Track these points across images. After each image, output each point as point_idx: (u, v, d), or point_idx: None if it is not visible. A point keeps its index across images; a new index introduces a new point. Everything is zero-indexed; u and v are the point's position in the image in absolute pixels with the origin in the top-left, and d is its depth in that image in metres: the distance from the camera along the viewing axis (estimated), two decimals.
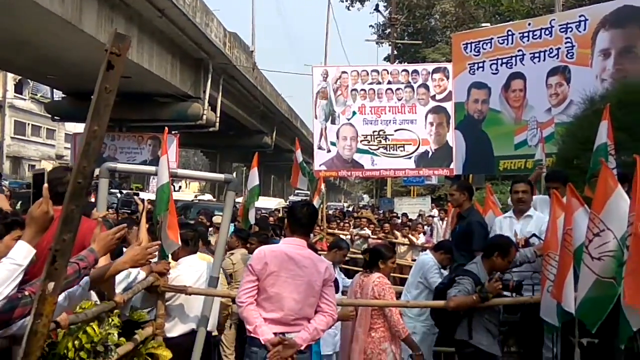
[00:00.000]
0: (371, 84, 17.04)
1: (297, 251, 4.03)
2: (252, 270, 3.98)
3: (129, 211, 10.36)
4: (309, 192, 10.98)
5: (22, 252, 2.33)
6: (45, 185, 2.41)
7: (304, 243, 4.14)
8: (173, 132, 26.39)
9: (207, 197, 24.67)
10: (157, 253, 3.89)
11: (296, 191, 33.41)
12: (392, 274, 6.47)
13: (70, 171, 2.48)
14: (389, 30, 34.67)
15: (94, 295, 3.55)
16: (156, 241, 4.01)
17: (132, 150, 26.91)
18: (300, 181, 9.79)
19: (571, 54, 10.50)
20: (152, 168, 5.56)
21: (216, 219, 9.75)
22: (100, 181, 4.97)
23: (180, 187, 29.15)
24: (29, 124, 46.60)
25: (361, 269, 5.63)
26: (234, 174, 45.82)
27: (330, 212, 19.85)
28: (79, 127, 32.98)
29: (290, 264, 3.97)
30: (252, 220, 7.90)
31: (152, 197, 13.23)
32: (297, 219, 4.15)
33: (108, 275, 3.29)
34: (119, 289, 3.89)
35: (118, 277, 3.72)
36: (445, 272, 6.39)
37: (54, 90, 28.91)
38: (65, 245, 2.07)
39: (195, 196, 23.21)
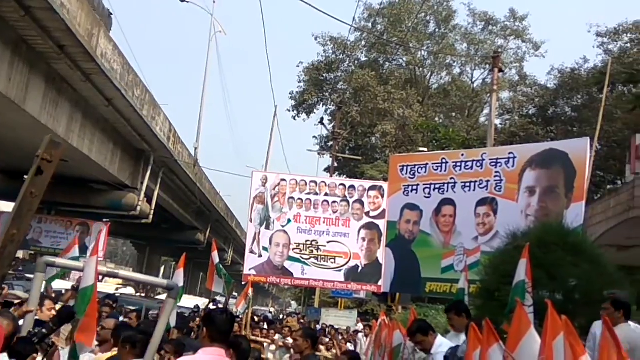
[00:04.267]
0: (309, 194, 17.32)
1: None
2: None
3: None
4: (224, 294, 10.75)
5: None
6: None
7: (224, 352, 3.92)
8: (104, 220, 25.64)
9: (129, 290, 23.79)
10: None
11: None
12: None
13: None
14: (331, 143, 35.71)
15: None
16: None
17: (57, 235, 25.83)
18: (216, 283, 9.61)
19: (499, 187, 11.01)
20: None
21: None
22: (36, 275, 4.60)
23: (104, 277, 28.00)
24: None
25: None
26: (162, 268, 44.58)
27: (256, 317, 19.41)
28: (7, 206, 31.74)
29: None
30: (172, 323, 7.65)
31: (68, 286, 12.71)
32: (217, 327, 3.90)
33: None
34: None
35: None
36: None
37: None
38: None
39: (117, 289, 22.32)
